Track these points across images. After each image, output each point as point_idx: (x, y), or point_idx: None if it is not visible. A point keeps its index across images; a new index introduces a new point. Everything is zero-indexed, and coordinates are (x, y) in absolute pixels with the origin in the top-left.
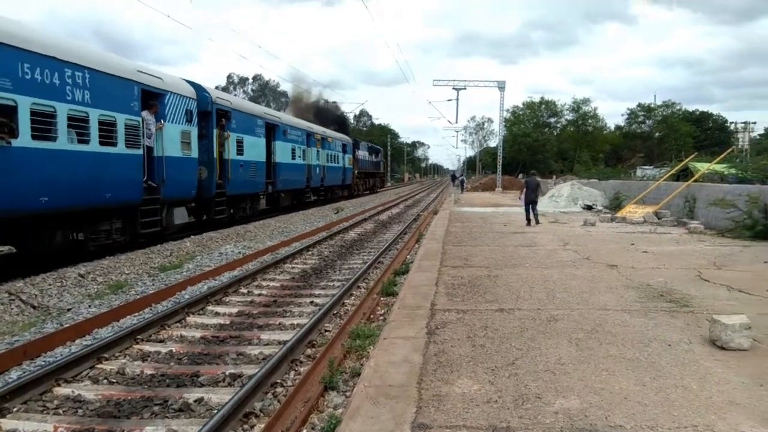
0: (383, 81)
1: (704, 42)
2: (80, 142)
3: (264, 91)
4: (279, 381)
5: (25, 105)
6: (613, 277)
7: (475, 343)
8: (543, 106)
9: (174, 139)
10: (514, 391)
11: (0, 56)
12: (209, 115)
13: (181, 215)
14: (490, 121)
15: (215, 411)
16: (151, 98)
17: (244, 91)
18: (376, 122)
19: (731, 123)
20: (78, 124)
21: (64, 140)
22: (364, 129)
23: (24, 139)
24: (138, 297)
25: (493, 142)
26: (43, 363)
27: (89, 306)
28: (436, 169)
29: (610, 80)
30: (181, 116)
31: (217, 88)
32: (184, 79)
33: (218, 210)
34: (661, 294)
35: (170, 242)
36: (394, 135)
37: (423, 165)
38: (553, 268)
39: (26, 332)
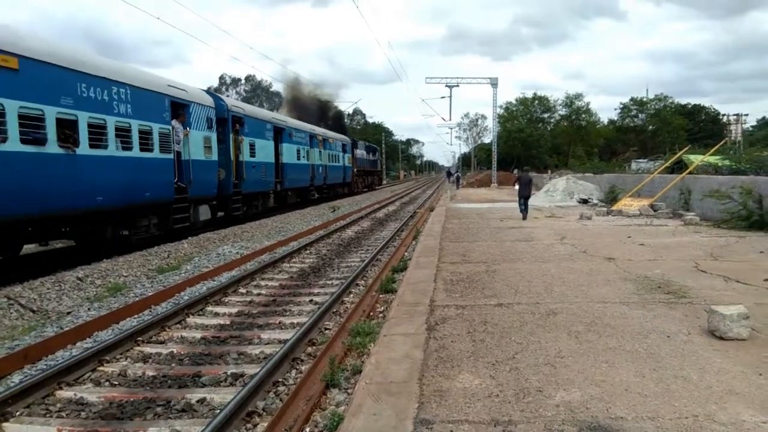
0: (376, 80)
1: (694, 36)
2: (124, 149)
3: (257, 92)
4: (281, 380)
5: (83, 119)
6: (610, 270)
7: (475, 338)
8: (536, 101)
9: (198, 144)
10: (515, 385)
11: (65, 79)
12: (226, 121)
13: (204, 212)
14: (483, 117)
15: (218, 411)
16: (179, 109)
17: (237, 92)
18: (370, 120)
19: (723, 115)
20: (123, 134)
21: (113, 148)
22: (358, 127)
23: (83, 147)
24: (137, 299)
25: (488, 138)
26: (44, 366)
27: (89, 309)
28: (432, 166)
29: (602, 75)
30: (203, 123)
31: (209, 89)
32: (204, 90)
33: (235, 207)
34: (659, 286)
35: (167, 244)
36: (389, 133)
37: (418, 162)
38: (550, 262)
39: (26, 336)
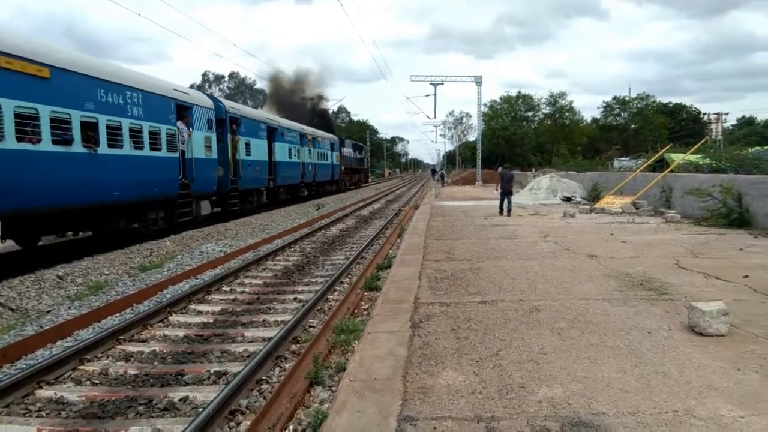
0: (361, 78)
1: (675, 36)
2: (136, 148)
3: (240, 89)
4: (264, 378)
5: (102, 121)
6: (593, 267)
7: (459, 335)
8: (520, 100)
9: (200, 144)
10: (498, 382)
11: (88, 86)
12: (224, 122)
13: (206, 207)
14: (468, 115)
15: (201, 409)
16: (183, 111)
17: (220, 89)
18: (355, 118)
19: (704, 114)
20: (135, 134)
21: (127, 147)
22: (343, 125)
23: (103, 147)
24: (119, 297)
25: (472, 136)
26: (24, 366)
27: (69, 307)
28: (416, 164)
29: (585, 74)
30: (204, 124)
31: (192, 86)
32: (205, 93)
33: (232, 203)
34: (641, 282)
35: (150, 242)
36: (374, 131)
37: (403, 160)
38: (534, 259)
39: (5, 335)
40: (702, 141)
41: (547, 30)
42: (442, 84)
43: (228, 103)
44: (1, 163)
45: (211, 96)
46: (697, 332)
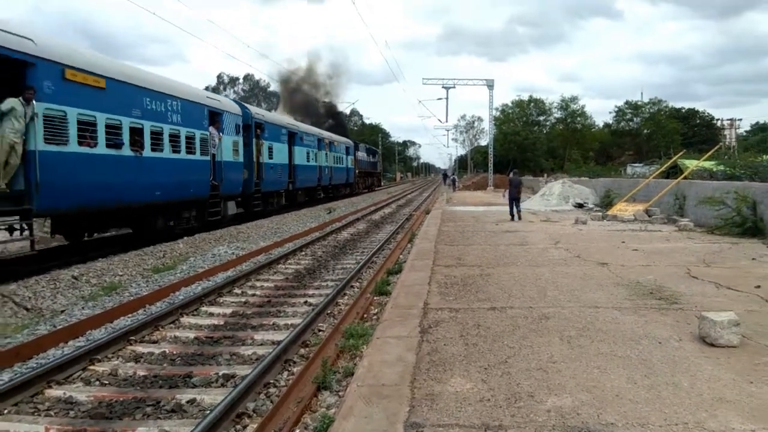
0: (373, 80)
1: (689, 38)
2: (174, 151)
3: (254, 91)
4: (272, 381)
5: (147, 127)
6: (603, 275)
7: (467, 342)
8: (532, 104)
9: (228, 148)
10: (507, 390)
11: (135, 95)
12: (250, 127)
13: (232, 207)
14: (480, 119)
15: (208, 412)
16: (214, 117)
17: (234, 91)
18: (367, 122)
19: (718, 120)
20: (174, 139)
21: (167, 151)
22: (355, 128)
23: (147, 150)
24: (132, 298)
25: (484, 141)
26: (35, 365)
27: (83, 308)
28: (428, 168)
29: (597, 77)
30: (233, 129)
31: (207, 88)
32: (233, 100)
33: (255, 204)
34: (651, 291)
35: (163, 244)
36: (385, 134)
37: (414, 164)
38: (544, 266)
39: (19, 334)
40: (716, 147)
41: (560, 31)
42: (454, 87)
43: (254, 109)
44: (65, 165)
45: (238, 102)
46: (708, 343)
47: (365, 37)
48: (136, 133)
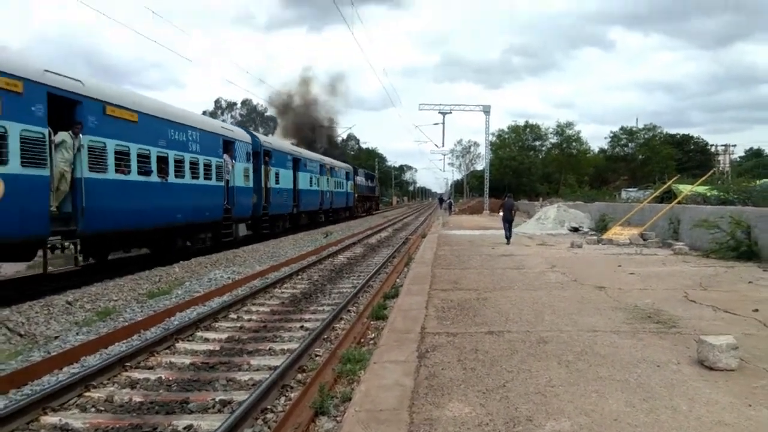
0: (370, 106)
1: (683, 67)
2: (194, 177)
3: (251, 116)
4: (269, 407)
5: (171, 155)
6: (601, 299)
7: (465, 366)
8: (528, 129)
9: (239, 174)
10: (505, 414)
11: (161, 127)
12: (258, 154)
13: (242, 229)
14: (476, 144)
15: None
16: (228, 145)
17: (232, 116)
18: (364, 146)
19: (712, 145)
20: (193, 166)
21: (188, 177)
22: (352, 153)
23: (171, 176)
24: (126, 324)
25: (480, 165)
26: (29, 392)
27: (77, 333)
28: (424, 192)
29: (592, 104)
30: (243, 157)
31: (204, 112)
32: (243, 128)
33: (264, 226)
34: (649, 315)
35: (159, 268)
36: (382, 159)
37: (411, 188)
38: (541, 290)
39: (12, 361)
40: (710, 173)
41: (555, 60)
42: (451, 113)
43: (262, 138)
44: (105, 190)
45: (248, 131)
46: (706, 366)
47: (363, 65)
48: (162, 161)
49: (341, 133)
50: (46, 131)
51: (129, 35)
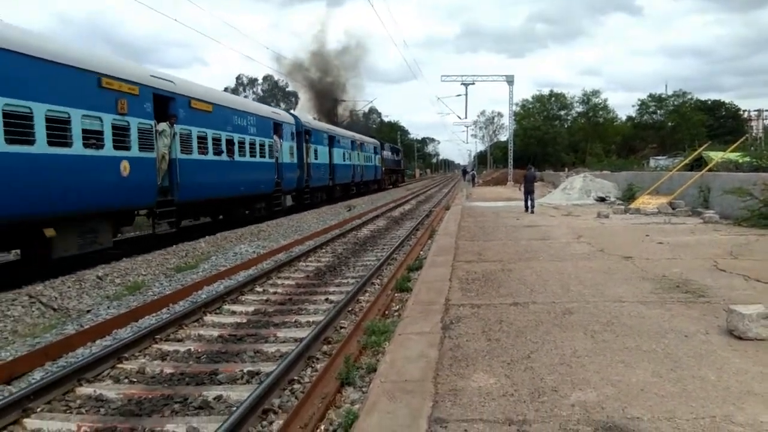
0: (391, 78)
1: (713, 30)
2: (251, 156)
3: (273, 92)
4: (296, 378)
5: (236, 138)
6: (628, 269)
7: (490, 338)
8: (552, 98)
9: (286, 152)
10: (530, 385)
11: (229, 115)
12: (301, 133)
13: (289, 200)
14: (500, 115)
15: (234, 408)
16: (277, 127)
17: (254, 92)
18: (386, 119)
19: (744, 111)
20: (252, 147)
21: (248, 156)
22: (374, 126)
23: (236, 155)
24: (156, 297)
25: (504, 136)
26: (64, 364)
27: (108, 307)
28: (447, 164)
29: (619, 71)
30: (289, 137)
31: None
32: (288, 111)
33: (305, 198)
34: (677, 285)
35: (185, 243)
36: (404, 132)
37: (434, 161)
38: (566, 260)
39: (47, 334)
40: (742, 139)
41: (580, 27)
42: (473, 84)
43: (304, 118)
44: (191, 168)
45: (291, 113)
46: (735, 336)
47: (384, 37)
48: (230, 143)
49: (363, 107)
50: (153, 123)
51: (150, 15)
